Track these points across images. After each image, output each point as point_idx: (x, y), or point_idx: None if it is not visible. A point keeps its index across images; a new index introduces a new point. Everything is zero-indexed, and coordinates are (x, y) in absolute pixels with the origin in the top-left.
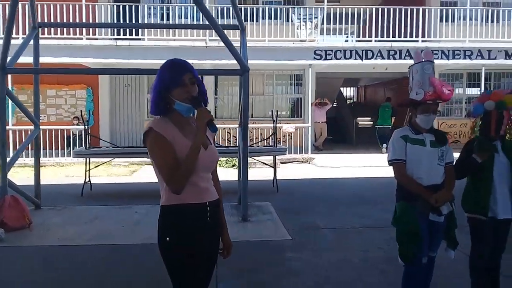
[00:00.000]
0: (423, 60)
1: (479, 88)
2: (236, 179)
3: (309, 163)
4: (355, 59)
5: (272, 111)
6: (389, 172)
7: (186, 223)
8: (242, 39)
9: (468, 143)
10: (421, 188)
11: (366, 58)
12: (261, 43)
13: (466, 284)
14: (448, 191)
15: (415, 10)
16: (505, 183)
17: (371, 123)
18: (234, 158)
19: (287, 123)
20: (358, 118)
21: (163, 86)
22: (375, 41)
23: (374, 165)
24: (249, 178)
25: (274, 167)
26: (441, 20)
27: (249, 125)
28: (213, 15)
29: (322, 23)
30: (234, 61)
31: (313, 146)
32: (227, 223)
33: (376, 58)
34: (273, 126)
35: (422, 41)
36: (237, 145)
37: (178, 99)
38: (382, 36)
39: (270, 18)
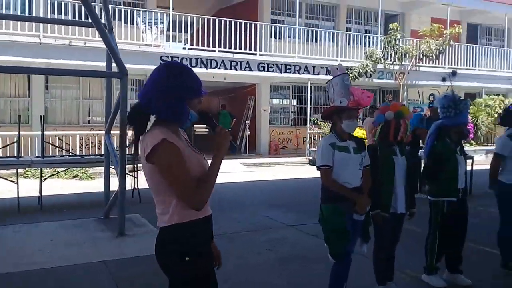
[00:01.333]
0: (339, 74)
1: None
2: (88, 190)
3: None
4: (200, 67)
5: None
6: (241, 177)
7: (202, 238)
8: (112, 40)
9: (370, 146)
10: (350, 191)
11: (211, 67)
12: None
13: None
14: (367, 194)
15: (248, 24)
16: (402, 182)
17: (207, 130)
18: (75, 169)
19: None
20: (195, 126)
21: (186, 92)
22: (219, 51)
23: (224, 171)
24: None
25: (135, 176)
26: (271, 36)
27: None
28: (68, 12)
29: (168, 30)
30: (78, 62)
31: None
32: (98, 240)
33: (219, 68)
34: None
35: (260, 54)
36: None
37: (193, 110)
38: (225, 47)
39: (114, 19)
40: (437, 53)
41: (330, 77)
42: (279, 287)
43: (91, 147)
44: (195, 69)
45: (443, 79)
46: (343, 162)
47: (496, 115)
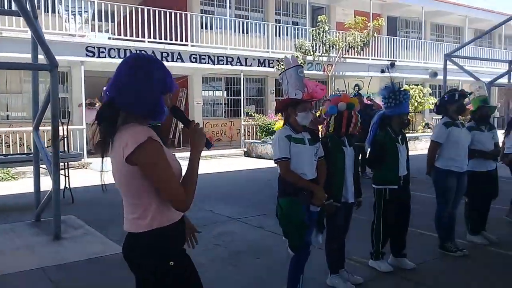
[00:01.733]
0: (292, 65)
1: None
2: (13, 192)
3: (86, 168)
4: None
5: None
6: None
7: (181, 240)
8: (39, 29)
9: (324, 137)
10: (308, 183)
11: None
12: (24, 34)
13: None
14: (322, 185)
15: (178, 14)
16: (351, 171)
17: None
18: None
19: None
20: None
21: (161, 87)
22: (148, 42)
23: None
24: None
25: (67, 175)
26: (202, 27)
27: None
28: None
29: (93, 19)
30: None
31: (89, 150)
32: (33, 245)
33: None
34: (65, 128)
35: (191, 45)
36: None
37: (166, 105)
38: (155, 38)
39: None
40: (362, 45)
41: (262, 68)
42: (237, 282)
43: (12, 144)
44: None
45: (382, 71)
46: (299, 154)
47: (416, 104)
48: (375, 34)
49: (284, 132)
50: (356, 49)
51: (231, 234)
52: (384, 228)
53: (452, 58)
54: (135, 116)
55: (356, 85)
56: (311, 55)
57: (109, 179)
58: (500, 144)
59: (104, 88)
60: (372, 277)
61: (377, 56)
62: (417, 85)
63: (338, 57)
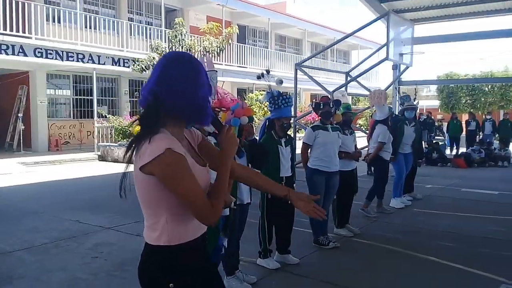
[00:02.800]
0: (207, 70)
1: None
2: None
3: None
4: None
5: None
6: (23, 179)
7: (192, 265)
8: None
9: None
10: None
11: None
12: None
13: None
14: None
15: (20, 3)
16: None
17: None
18: None
19: None
20: None
21: (208, 88)
22: None
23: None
24: None
25: None
26: (47, 19)
27: None
28: None
29: None
30: None
31: None
32: None
33: None
34: None
35: (36, 38)
36: None
37: None
38: None
39: None
40: (218, 51)
41: (116, 68)
42: None
43: None
44: None
45: (259, 77)
46: None
47: (266, 108)
48: (229, 41)
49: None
50: (212, 54)
51: (109, 245)
52: (269, 226)
53: (301, 67)
54: (174, 121)
55: None
56: None
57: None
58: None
59: (142, 90)
60: (264, 275)
61: (229, 62)
62: (264, 90)
63: None
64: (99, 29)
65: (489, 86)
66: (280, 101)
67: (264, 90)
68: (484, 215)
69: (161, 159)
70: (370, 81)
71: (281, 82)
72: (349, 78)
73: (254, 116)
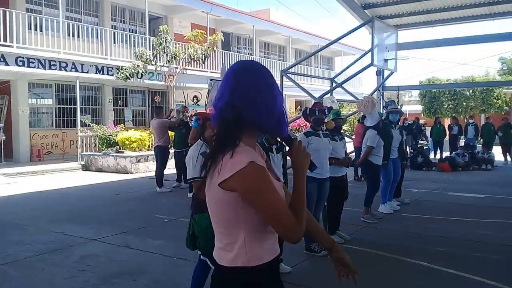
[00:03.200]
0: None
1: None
2: None
3: None
4: None
5: None
6: (5, 191)
7: (275, 284)
8: None
9: None
10: None
11: None
12: None
13: None
14: None
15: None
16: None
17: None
18: None
19: None
20: None
21: (281, 97)
22: None
23: None
24: None
25: None
26: (29, 28)
27: None
28: None
29: None
30: None
31: None
32: None
33: None
34: None
35: (18, 47)
36: None
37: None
38: None
39: None
40: (203, 58)
41: (100, 76)
42: None
43: None
44: None
45: None
46: None
47: None
48: (214, 48)
49: (198, 149)
50: (197, 61)
51: (95, 257)
52: None
53: (287, 74)
54: (251, 133)
55: (194, 96)
56: (152, 64)
57: None
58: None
59: (215, 103)
60: None
61: (215, 69)
62: None
63: (180, 69)
64: (82, 37)
65: (471, 91)
66: None
67: None
68: (472, 218)
69: (245, 172)
70: (354, 87)
71: None
72: (334, 84)
73: None
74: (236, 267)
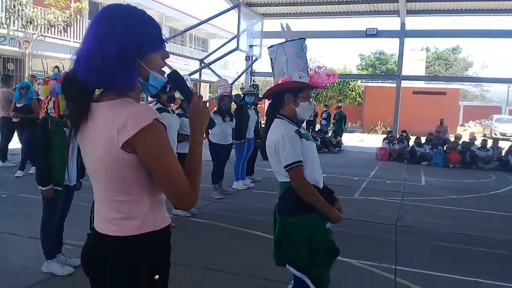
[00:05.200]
0: (296, 38)
1: None
2: None
3: None
4: None
5: None
6: None
7: (169, 248)
8: None
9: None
10: (324, 200)
11: None
12: None
13: None
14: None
15: None
16: (75, 154)
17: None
18: None
19: None
20: None
21: (136, 43)
22: None
23: None
24: None
25: None
26: None
27: None
28: None
29: None
30: None
31: None
32: None
33: None
34: None
35: None
36: None
37: (155, 70)
38: None
39: None
40: (65, 25)
41: None
42: None
43: None
44: None
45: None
46: (310, 156)
47: None
48: (78, 16)
49: (289, 126)
50: (58, 28)
51: None
52: None
53: None
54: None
55: (55, 66)
56: (4, 28)
57: None
58: None
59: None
60: None
61: (79, 39)
62: None
63: (37, 35)
64: None
65: None
66: None
67: None
68: None
69: (148, 130)
70: (226, 70)
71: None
72: (203, 65)
73: None
74: (144, 234)
